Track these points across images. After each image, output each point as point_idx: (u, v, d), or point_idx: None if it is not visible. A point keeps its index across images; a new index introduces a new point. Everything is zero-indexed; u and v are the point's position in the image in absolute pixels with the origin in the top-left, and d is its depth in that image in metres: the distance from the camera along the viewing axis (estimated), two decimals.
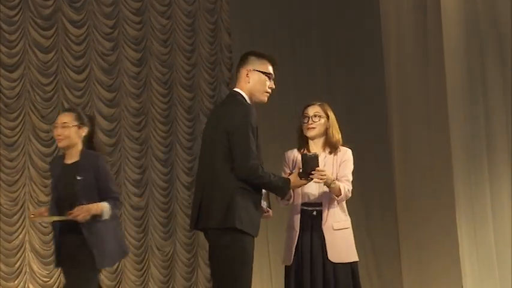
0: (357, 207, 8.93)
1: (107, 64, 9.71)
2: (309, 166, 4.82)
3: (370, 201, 9.38)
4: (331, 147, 5.33)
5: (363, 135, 9.40)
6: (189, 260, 9.83)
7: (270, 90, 4.86)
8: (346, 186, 5.25)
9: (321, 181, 5.05)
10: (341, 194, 5.21)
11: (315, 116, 5.31)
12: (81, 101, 9.57)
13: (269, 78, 4.87)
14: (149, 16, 9.98)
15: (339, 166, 5.28)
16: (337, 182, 5.19)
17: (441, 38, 7.84)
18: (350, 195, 5.30)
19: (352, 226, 8.44)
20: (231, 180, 4.66)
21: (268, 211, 5.00)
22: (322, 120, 5.32)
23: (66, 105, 9.41)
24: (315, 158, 4.86)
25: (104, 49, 9.74)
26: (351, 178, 5.32)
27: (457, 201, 7.64)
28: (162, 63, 9.99)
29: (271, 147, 8.68)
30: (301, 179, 4.86)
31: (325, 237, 5.18)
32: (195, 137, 9.96)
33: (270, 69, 4.89)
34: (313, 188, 5.23)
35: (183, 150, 10.03)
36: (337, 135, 5.35)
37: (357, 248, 8.10)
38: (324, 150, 5.32)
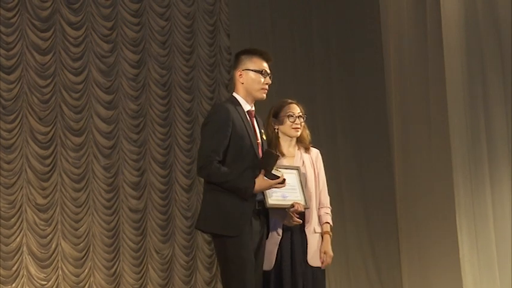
0: (356, 210, 9.21)
1: (105, 66, 9.69)
2: (268, 164, 4.64)
3: (370, 204, 9.34)
4: (304, 146, 5.27)
5: (362, 136, 9.43)
6: (188, 263, 9.78)
7: (266, 86, 4.80)
8: (330, 218, 5.21)
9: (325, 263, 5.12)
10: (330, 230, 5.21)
11: (299, 116, 5.24)
12: (79, 103, 9.58)
13: (262, 75, 4.79)
14: (148, 18, 9.97)
15: (316, 170, 5.20)
16: (327, 231, 5.17)
17: (441, 37, 7.82)
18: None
19: (352, 229, 8.40)
20: (204, 182, 4.73)
21: (294, 206, 4.87)
22: (303, 121, 5.26)
23: (63, 107, 9.42)
24: (273, 155, 4.67)
25: (102, 51, 9.72)
26: (327, 198, 5.27)
27: (458, 204, 7.61)
28: (160, 65, 9.97)
29: None
30: (267, 178, 4.68)
31: (308, 241, 5.12)
32: (194, 139, 9.94)
33: (263, 65, 4.81)
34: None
35: (182, 153, 9.99)
36: (308, 135, 5.30)
37: (356, 251, 8.16)
38: (298, 149, 5.24)
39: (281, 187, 4.68)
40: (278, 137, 5.22)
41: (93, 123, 9.59)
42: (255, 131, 4.80)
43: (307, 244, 5.11)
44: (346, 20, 9.65)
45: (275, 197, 4.75)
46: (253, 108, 4.85)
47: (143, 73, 9.91)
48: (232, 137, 4.65)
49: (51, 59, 9.47)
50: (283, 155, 5.14)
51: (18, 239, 9.16)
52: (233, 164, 4.63)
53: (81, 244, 9.39)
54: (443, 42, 7.76)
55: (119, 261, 9.46)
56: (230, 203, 4.59)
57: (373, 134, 9.36)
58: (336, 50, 9.76)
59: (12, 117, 9.28)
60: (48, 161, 9.39)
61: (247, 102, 4.81)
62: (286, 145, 5.25)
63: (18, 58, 9.32)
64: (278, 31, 9.90)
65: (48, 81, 9.47)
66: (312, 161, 5.21)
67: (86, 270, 9.35)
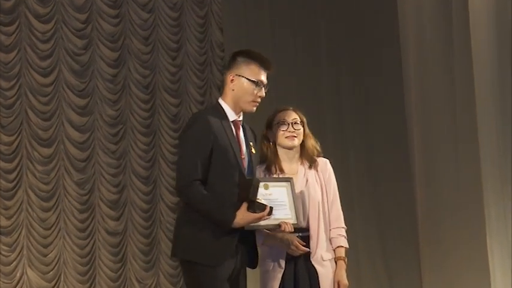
0: (371, 235, 9.09)
1: (79, 65, 9.55)
2: (248, 193, 4.42)
3: (387, 229, 9.12)
4: (310, 160, 4.96)
5: (378, 150, 9.24)
6: None
7: (258, 100, 4.61)
8: (345, 240, 4.92)
9: None
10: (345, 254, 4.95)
11: (295, 123, 4.93)
12: (48, 108, 9.40)
13: (257, 86, 4.59)
14: (128, 9, 9.84)
15: (323, 186, 4.94)
16: (340, 256, 4.89)
17: (469, 38, 7.53)
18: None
19: (366, 257, 8.60)
20: (181, 204, 4.68)
21: (281, 226, 4.61)
22: (300, 127, 4.94)
23: (30, 113, 9.28)
24: (252, 183, 4.44)
25: (75, 48, 9.57)
26: (341, 213, 4.98)
27: (488, 226, 7.31)
28: (143, 64, 9.83)
29: None
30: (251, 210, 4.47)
31: (318, 272, 4.81)
32: None
33: (261, 75, 4.61)
34: (300, 206, 4.86)
35: (168, 166, 9.81)
36: (313, 144, 4.99)
37: (372, 284, 8.19)
38: (301, 164, 4.96)
39: (264, 216, 4.48)
40: (276, 152, 4.94)
41: (64, 132, 9.44)
42: (239, 144, 4.62)
43: (316, 276, 4.81)
44: (357, 16, 9.40)
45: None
46: (241, 118, 4.68)
47: (122, 73, 9.77)
48: (213, 153, 4.50)
49: (15, 57, 9.32)
50: (282, 172, 4.90)
51: None
52: (216, 184, 4.47)
53: (51, 273, 9.21)
54: (471, 45, 7.49)
55: None
56: (211, 231, 4.46)
57: (390, 144, 9.10)
58: (345, 46, 9.49)
59: None
60: (11, 176, 9.20)
61: (234, 111, 4.64)
62: (287, 160, 4.94)
63: None
64: (278, 26, 9.72)
65: (12, 82, 9.30)
66: (318, 175, 4.95)
67: None
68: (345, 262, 4.89)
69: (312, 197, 4.88)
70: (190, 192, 4.43)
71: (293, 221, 4.63)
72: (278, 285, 4.79)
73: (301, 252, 4.72)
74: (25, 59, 9.29)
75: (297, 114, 4.96)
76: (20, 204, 9.13)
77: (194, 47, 9.98)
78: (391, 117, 9.14)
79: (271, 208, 4.46)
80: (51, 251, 9.18)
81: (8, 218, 9.04)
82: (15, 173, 9.15)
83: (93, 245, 9.34)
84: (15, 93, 9.23)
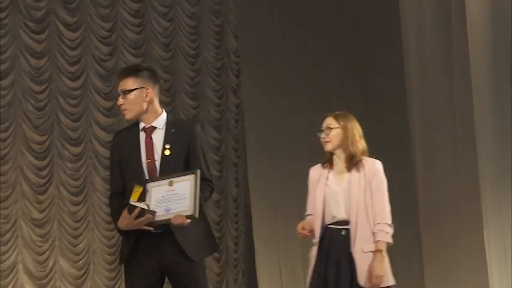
0: None
1: (104, 70, 9.58)
2: (129, 197, 4.48)
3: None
4: (350, 161, 5.12)
5: (381, 148, 8.81)
6: None
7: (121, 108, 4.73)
8: (385, 235, 5.07)
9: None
10: (384, 248, 5.07)
11: (328, 128, 5.13)
12: (77, 110, 9.48)
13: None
14: (149, 18, 9.89)
15: (368, 185, 5.08)
16: (377, 249, 5.03)
17: (467, 43, 7.56)
18: (392, 230, 5.16)
19: None
20: None
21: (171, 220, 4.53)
22: (335, 132, 5.12)
23: (60, 115, 9.33)
24: (134, 187, 4.50)
25: (101, 54, 9.63)
26: (387, 208, 5.14)
27: (485, 220, 7.34)
28: (163, 69, 9.82)
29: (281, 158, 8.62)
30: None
31: (356, 261, 5.00)
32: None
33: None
34: (340, 203, 5.06)
35: None
36: (353, 147, 5.12)
37: None
38: (348, 164, 5.13)
39: (150, 218, 4.44)
40: (331, 153, 5.19)
41: (92, 132, 9.51)
42: (148, 149, 4.60)
43: (352, 265, 5.02)
44: (363, 21, 9.27)
45: (158, 213, 4.50)
46: (155, 125, 4.64)
47: None
48: (121, 164, 4.62)
49: (46, 63, 9.37)
50: (331, 169, 5.14)
51: (13, 256, 9.09)
52: (127, 189, 4.57)
53: (81, 262, 9.33)
54: (469, 46, 7.53)
55: (121, 280, 9.16)
56: (123, 235, 4.63)
57: (393, 147, 8.98)
58: (352, 53, 9.39)
59: (5, 125, 9.19)
60: (44, 173, 9.28)
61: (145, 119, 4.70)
62: (337, 160, 5.17)
63: (11, 62, 9.22)
64: (290, 32, 9.60)
65: (44, 86, 9.36)
66: (362, 175, 5.08)
67: None
68: (381, 255, 4.99)
69: (353, 195, 5.03)
70: (109, 204, 4.70)
71: (189, 212, 4.50)
72: (312, 269, 5.06)
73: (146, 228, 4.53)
74: (55, 64, 9.32)
75: (332, 119, 5.14)
76: (52, 199, 9.19)
77: (211, 53, 10.03)
78: (392, 117, 9.05)
79: (140, 209, 4.42)
80: (81, 242, 9.25)
81: (41, 212, 9.12)
82: (47, 170, 9.22)
83: (119, 236, 9.34)
84: (46, 96, 9.29)
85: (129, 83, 4.60)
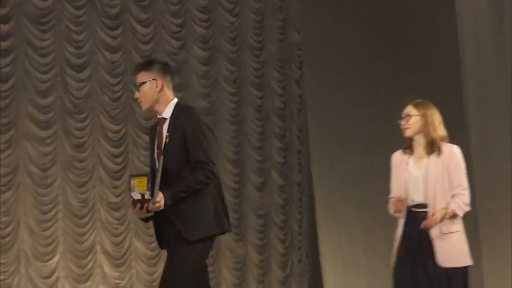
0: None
1: (175, 63, 9.67)
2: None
3: None
4: (430, 147, 5.20)
5: None
6: (262, 262, 9.93)
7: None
8: (459, 202, 5.11)
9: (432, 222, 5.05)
10: (458, 215, 5.11)
11: (407, 115, 5.23)
12: None
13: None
14: (217, 14, 10.09)
15: (446, 170, 5.14)
16: (445, 209, 5.06)
17: None
18: (468, 208, 5.16)
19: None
20: None
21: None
22: (415, 119, 5.21)
23: (134, 105, 9.43)
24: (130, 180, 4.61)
25: (172, 48, 9.79)
26: (464, 184, 5.17)
27: None
28: (230, 62, 10.08)
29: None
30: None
31: (434, 242, 5.09)
32: (266, 137, 10.06)
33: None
34: (419, 187, 5.16)
35: (254, 151, 10.13)
36: (433, 133, 5.19)
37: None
38: (426, 152, 5.22)
39: (152, 207, 4.57)
40: (412, 139, 5.27)
41: None
42: (159, 140, 4.74)
43: (430, 245, 5.10)
44: (415, 17, 9.16)
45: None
46: (164, 116, 4.74)
47: (213, 70, 10.03)
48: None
49: (121, 57, 9.54)
50: (412, 154, 5.21)
51: (91, 238, 9.29)
52: None
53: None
54: None
55: None
56: None
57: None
58: (404, 48, 9.23)
59: (83, 115, 9.37)
60: (119, 160, 9.48)
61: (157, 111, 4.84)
62: (417, 146, 5.25)
63: (88, 56, 9.38)
64: (350, 26, 9.60)
65: (119, 79, 9.55)
66: (441, 160, 5.15)
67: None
68: (446, 212, 5.01)
69: (429, 179, 5.11)
70: None
71: (147, 196, 4.54)
72: (402, 249, 5.17)
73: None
74: (129, 58, 9.47)
75: (412, 107, 5.23)
76: (127, 184, 9.60)
77: (275, 46, 10.27)
78: (447, 116, 9.36)
79: (136, 200, 4.52)
80: None
81: (117, 196, 9.31)
82: (122, 157, 9.44)
83: None
84: (121, 88, 9.46)
85: (141, 76, 4.74)
